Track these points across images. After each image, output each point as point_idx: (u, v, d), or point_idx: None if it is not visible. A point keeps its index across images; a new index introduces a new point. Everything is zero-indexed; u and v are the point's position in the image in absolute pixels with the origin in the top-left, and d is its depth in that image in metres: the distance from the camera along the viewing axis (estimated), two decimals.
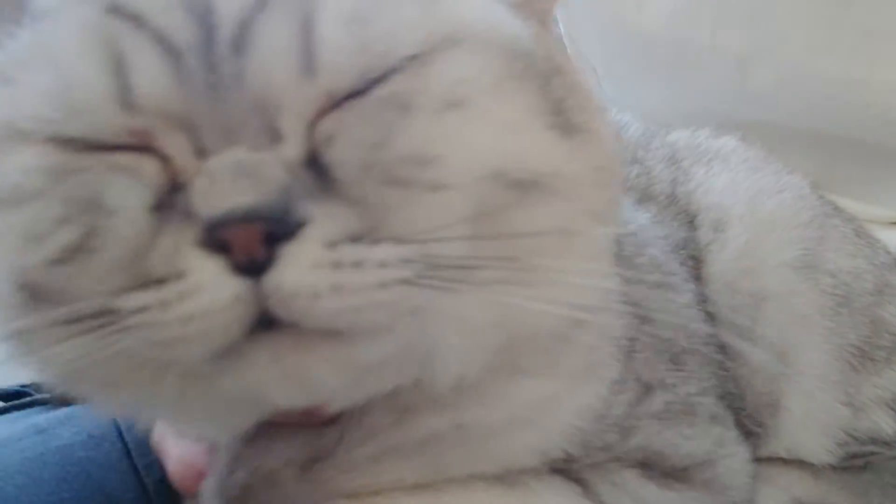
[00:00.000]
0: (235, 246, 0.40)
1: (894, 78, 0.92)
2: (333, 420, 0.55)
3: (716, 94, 1.01)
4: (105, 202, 0.43)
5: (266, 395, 0.47)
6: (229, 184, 0.41)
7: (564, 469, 0.58)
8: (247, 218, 0.40)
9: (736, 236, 0.72)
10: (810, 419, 0.70)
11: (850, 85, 0.93)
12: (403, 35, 0.44)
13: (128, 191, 0.43)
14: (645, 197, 0.77)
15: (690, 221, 0.74)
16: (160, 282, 0.42)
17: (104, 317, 0.43)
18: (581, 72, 0.52)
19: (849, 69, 0.93)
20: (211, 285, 0.41)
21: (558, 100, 0.48)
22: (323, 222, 0.41)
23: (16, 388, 0.86)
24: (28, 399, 0.85)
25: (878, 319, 0.71)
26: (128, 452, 0.80)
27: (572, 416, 0.57)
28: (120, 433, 0.81)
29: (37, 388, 0.86)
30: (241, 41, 0.42)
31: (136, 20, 0.43)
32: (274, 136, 0.43)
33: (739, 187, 0.76)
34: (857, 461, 0.71)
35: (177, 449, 0.68)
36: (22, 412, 0.84)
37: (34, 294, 0.46)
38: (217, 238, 0.41)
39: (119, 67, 0.43)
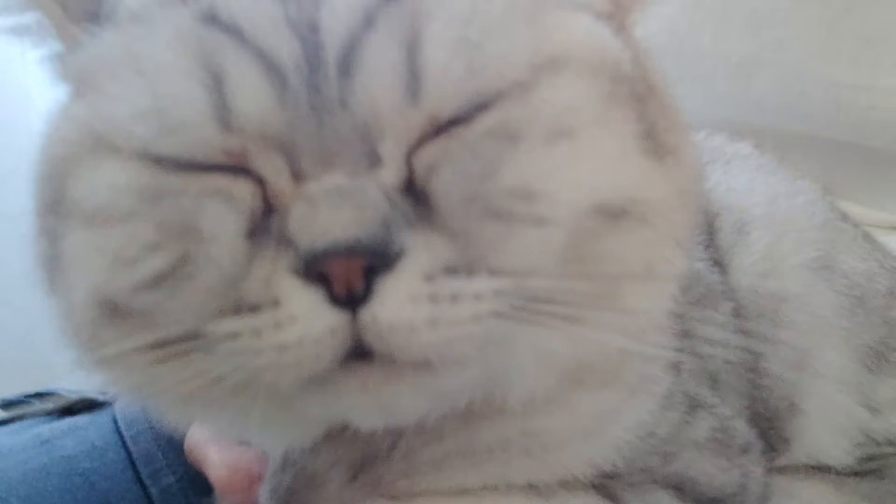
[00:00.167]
0: (335, 279, 0.40)
1: (895, 83, 0.92)
2: None
3: (717, 100, 1.02)
4: (200, 229, 0.42)
5: (349, 419, 0.46)
6: (330, 213, 0.40)
7: (599, 486, 0.58)
8: (349, 252, 0.39)
9: (758, 239, 0.72)
10: (828, 421, 0.70)
11: (851, 90, 0.94)
12: (511, 59, 0.43)
13: (223, 217, 0.42)
14: None
15: (710, 223, 0.74)
16: (253, 308, 0.41)
17: (192, 340, 0.42)
18: (667, 87, 0.51)
19: (850, 75, 0.94)
20: (307, 316, 0.40)
21: (652, 122, 0.47)
22: (420, 254, 0.40)
23: (19, 397, 0.85)
24: (31, 409, 0.84)
25: (892, 321, 0.71)
26: (132, 462, 0.80)
27: (626, 430, 0.56)
28: (124, 443, 0.80)
29: (40, 398, 0.85)
30: (347, 63, 0.41)
31: (237, 35, 0.42)
32: (373, 160, 0.41)
33: (758, 189, 0.75)
34: (874, 463, 0.71)
35: (223, 455, 0.67)
36: (25, 422, 0.83)
37: (114, 311, 0.44)
38: (316, 270, 0.40)
39: (218, 84, 0.41)
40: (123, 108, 0.43)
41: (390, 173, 0.42)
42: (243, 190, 0.42)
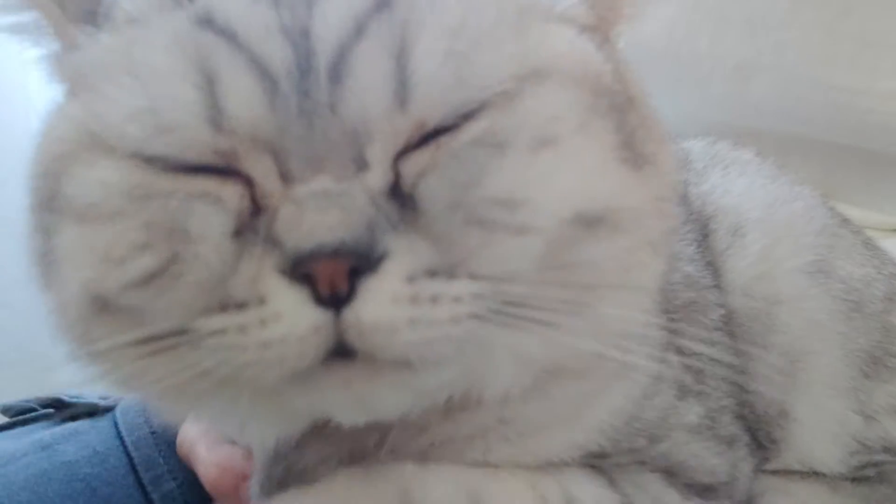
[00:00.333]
0: (320, 279, 0.41)
1: (893, 86, 0.93)
2: None
3: (716, 104, 1.02)
4: (188, 230, 0.43)
5: (331, 415, 0.48)
6: (317, 216, 0.41)
7: (590, 465, 0.59)
8: (335, 254, 0.40)
9: (754, 241, 0.72)
10: (821, 428, 0.70)
11: (849, 94, 0.94)
12: (497, 70, 0.44)
13: (211, 218, 0.43)
14: None
15: (704, 225, 0.74)
16: (240, 305, 0.42)
17: (180, 336, 0.43)
18: (647, 98, 0.52)
19: (848, 78, 0.94)
20: (291, 314, 0.41)
21: (631, 132, 0.48)
22: (403, 256, 0.42)
23: (20, 402, 0.85)
24: (32, 414, 0.84)
25: (890, 326, 0.71)
26: (133, 468, 0.80)
27: (609, 414, 0.58)
28: (125, 448, 0.80)
29: (41, 403, 0.85)
30: (337, 70, 0.42)
31: (231, 39, 0.43)
32: (360, 164, 0.43)
33: (756, 193, 0.76)
34: (870, 470, 0.71)
35: (212, 454, 0.69)
36: (26, 427, 0.83)
37: (105, 307, 0.46)
38: (302, 271, 0.41)
39: (211, 86, 0.42)
40: (118, 109, 0.44)
41: (377, 177, 0.43)
42: (232, 191, 0.43)
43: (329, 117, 0.42)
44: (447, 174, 0.43)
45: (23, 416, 0.84)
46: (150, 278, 0.43)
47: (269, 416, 0.51)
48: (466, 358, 0.46)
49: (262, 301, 0.41)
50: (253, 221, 0.43)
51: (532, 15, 0.47)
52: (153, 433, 0.81)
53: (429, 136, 0.43)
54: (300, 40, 0.42)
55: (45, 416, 0.84)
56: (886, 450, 0.70)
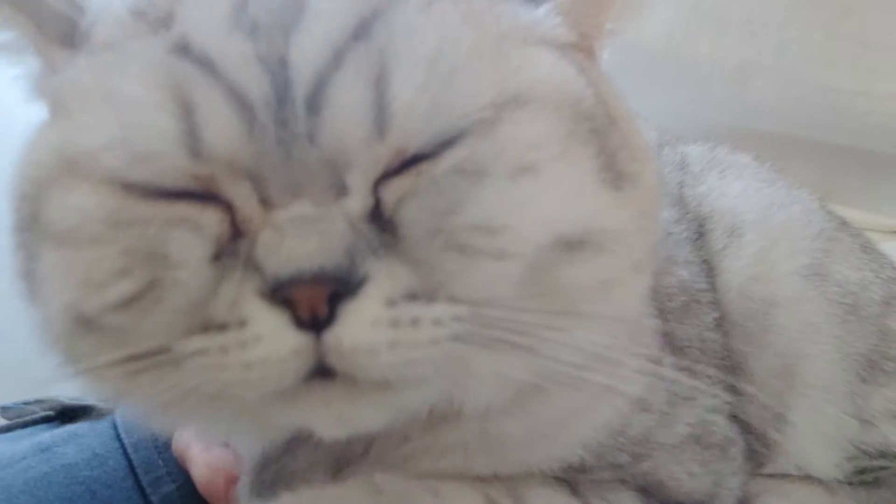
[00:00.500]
0: (300, 304, 0.41)
1: (893, 88, 0.92)
2: None
3: (715, 106, 1.02)
4: (168, 255, 0.43)
5: (312, 429, 0.48)
6: (296, 242, 0.41)
7: (565, 479, 0.59)
8: (314, 280, 0.41)
9: (750, 243, 0.72)
10: (817, 432, 0.70)
11: (848, 95, 0.94)
12: (476, 98, 0.44)
13: (191, 244, 0.43)
14: None
15: (701, 224, 0.74)
16: (221, 327, 0.42)
17: (162, 354, 0.44)
18: (630, 115, 0.52)
19: (847, 80, 0.94)
20: (272, 337, 0.42)
21: (612, 153, 0.48)
22: (383, 280, 0.42)
23: (19, 404, 0.86)
24: (31, 417, 0.84)
25: (887, 330, 0.71)
26: (133, 470, 0.79)
27: (592, 429, 0.58)
28: (125, 451, 0.80)
29: (40, 405, 0.85)
30: (315, 100, 0.42)
31: (208, 68, 0.42)
32: (340, 190, 0.43)
33: (753, 196, 0.76)
34: (867, 476, 0.71)
35: (204, 456, 0.70)
36: (25, 430, 0.83)
37: (88, 326, 0.46)
38: (282, 295, 0.41)
39: (188, 114, 0.42)
40: (94, 137, 0.44)
41: (356, 203, 0.43)
42: (211, 216, 0.43)
43: (307, 147, 0.42)
44: (427, 200, 0.43)
45: (22, 418, 0.84)
46: (130, 301, 0.44)
47: (252, 429, 0.52)
48: (446, 377, 0.46)
49: (242, 323, 0.42)
50: (233, 245, 0.43)
51: (511, 41, 0.47)
52: (153, 436, 0.81)
53: (409, 163, 0.43)
54: (278, 69, 0.42)
55: (45, 419, 0.84)
56: (884, 455, 0.70)
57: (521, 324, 0.44)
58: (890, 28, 0.91)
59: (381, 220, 0.43)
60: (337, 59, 0.42)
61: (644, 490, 0.61)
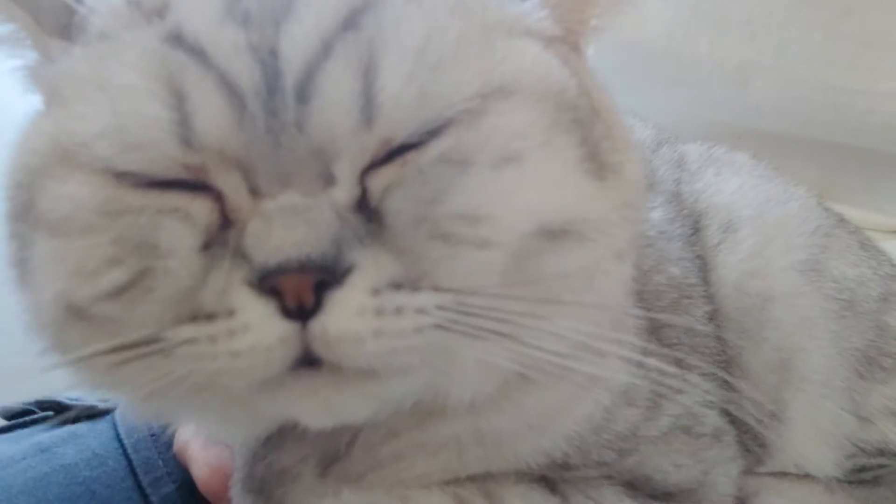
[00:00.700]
0: (287, 293, 0.42)
1: (893, 87, 0.92)
2: None
3: (716, 105, 1.02)
4: (158, 245, 0.44)
5: (299, 420, 0.49)
6: (284, 231, 0.42)
7: (545, 478, 0.60)
8: (301, 269, 0.41)
9: (746, 237, 0.73)
10: (815, 428, 0.70)
11: (848, 94, 0.94)
12: (462, 88, 0.45)
13: (180, 234, 0.44)
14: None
15: (696, 220, 0.75)
16: (209, 316, 0.43)
17: (152, 344, 0.44)
18: (613, 106, 0.53)
19: (847, 79, 0.93)
20: (259, 326, 0.42)
21: (596, 144, 0.49)
22: (369, 269, 0.43)
23: (19, 406, 0.86)
24: (31, 417, 0.84)
25: (884, 325, 0.71)
26: (132, 470, 0.80)
27: (577, 422, 0.58)
28: (125, 451, 0.80)
29: (39, 406, 0.85)
30: (304, 90, 0.43)
31: (200, 56, 0.43)
32: (327, 180, 0.43)
33: (749, 193, 0.76)
34: (866, 474, 0.71)
35: (204, 455, 0.70)
36: (25, 430, 0.83)
37: (78, 315, 0.46)
38: (269, 284, 0.42)
39: (180, 103, 0.43)
40: (88, 125, 0.45)
41: (343, 193, 0.44)
42: (201, 206, 0.44)
43: (296, 135, 0.43)
44: (412, 189, 0.44)
45: (21, 418, 0.84)
46: (121, 291, 0.44)
47: (240, 420, 0.53)
48: (431, 366, 0.47)
49: (230, 313, 0.43)
50: (222, 235, 0.44)
51: (497, 32, 0.48)
52: (152, 435, 0.81)
53: (395, 152, 0.44)
54: (268, 59, 0.43)
55: (44, 419, 0.84)
56: (883, 453, 0.70)
57: (505, 312, 0.45)
58: (890, 28, 0.91)
59: (367, 209, 0.44)
60: (326, 50, 0.43)
61: (630, 484, 0.62)
